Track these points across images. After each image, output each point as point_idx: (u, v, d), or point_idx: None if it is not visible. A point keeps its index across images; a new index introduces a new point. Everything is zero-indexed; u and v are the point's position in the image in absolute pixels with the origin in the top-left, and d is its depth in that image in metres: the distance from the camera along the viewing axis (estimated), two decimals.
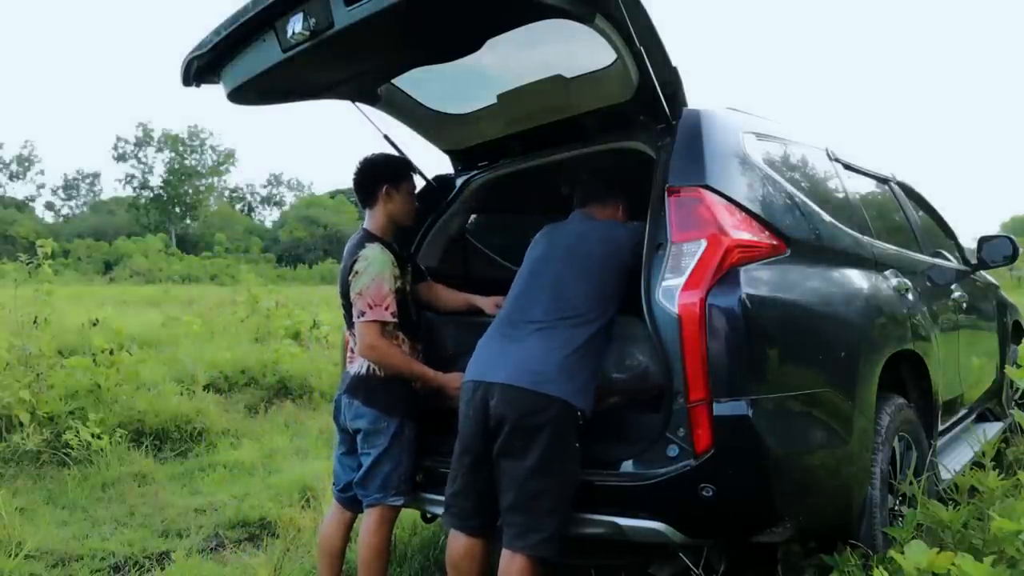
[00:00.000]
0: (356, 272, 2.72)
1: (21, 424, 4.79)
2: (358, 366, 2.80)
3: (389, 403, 2.71)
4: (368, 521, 2.73)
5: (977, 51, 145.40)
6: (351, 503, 2.87)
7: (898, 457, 2.73)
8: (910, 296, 2.98)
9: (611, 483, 2.26)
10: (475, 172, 3.28)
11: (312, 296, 17.05)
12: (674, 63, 2.36)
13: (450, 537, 2.49)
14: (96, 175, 78.69)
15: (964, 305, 3.79)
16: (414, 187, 2.97)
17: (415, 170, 3.03)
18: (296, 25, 2.22)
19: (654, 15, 2.19)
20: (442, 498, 2.53)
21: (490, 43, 2.46)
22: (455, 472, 2.47)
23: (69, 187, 76.05)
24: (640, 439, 2.29)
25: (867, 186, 3.51)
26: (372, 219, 2.90)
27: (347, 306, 2.82)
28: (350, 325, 2.84)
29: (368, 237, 2.84)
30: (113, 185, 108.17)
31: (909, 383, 2.99)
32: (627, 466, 2.26)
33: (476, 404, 2.37)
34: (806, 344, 2.35)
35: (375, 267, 2.70)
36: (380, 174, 2.88)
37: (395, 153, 3.06)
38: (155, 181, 65.46)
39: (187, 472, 4.96)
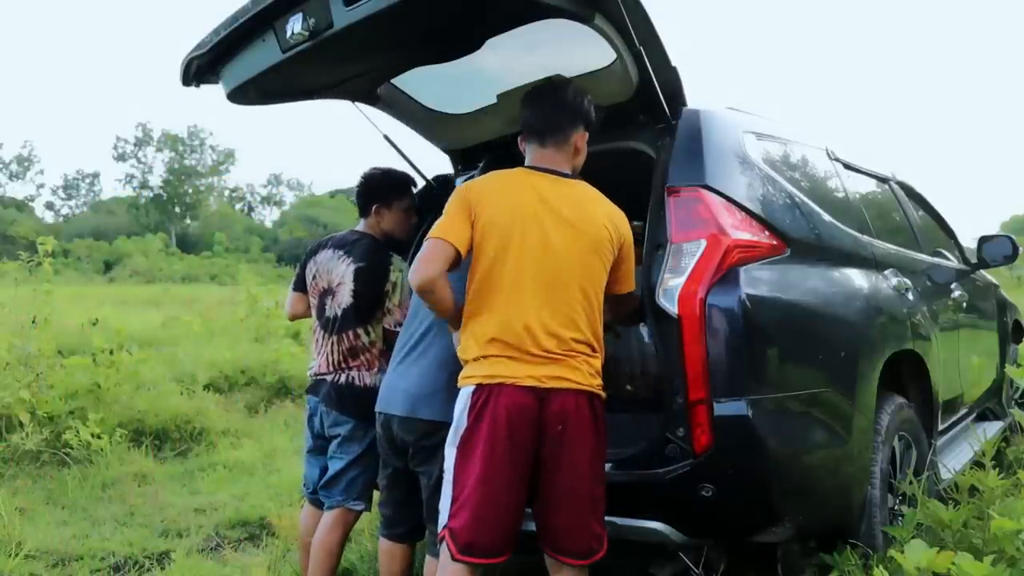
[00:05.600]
0: (394, 284, 2.84)
1: (21, 424, 4.79)
2: (335, 374, 2.83)
3: (368, 413, 2.72)
4: (327, 520, 2.80)
5: (977, 51, 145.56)
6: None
7: (898, 456, 2.73)
8: (910, 296, 2.98)
9: (610, 483, 2.26)
10: (475, 172, 3.28)
11: None
12: (674, 63, 2.36)
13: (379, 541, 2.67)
14: (96, 175, 78.88)
15: (964, 305, 3.79)
16: (409, 205, 3.00)
17: (413, 184, 3.04)
18: (295, 25, 2.22)
19: (654, 15, 2.19)
20: None
21: (490, 43, 2.46)
22: (380, 483, 2.66)
23: (69, 187, 76.05)
24: (639, 439, 2.29)
25: (867, 186, 3.50)
26: (367, 226, 2.98)
27: (362, 306, 2.82)
28: (340, 329, 2.83)
29: (379, 244, 2.91)
30: (113, 185, 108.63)
31: (909, 383, 2.99)
32: (626, 466, 2.26)
33: (384, 429, 2.51)
34: (806, 344, 2.35)
35: (404, 279, 2.82)
36: (372, 193, 2.96)
37: (395, 169, 3.05)
38: (155, 181, 65.62)
39: (187, 472, 4.96)
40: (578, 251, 2.11)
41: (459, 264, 2.14)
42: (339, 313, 2.85)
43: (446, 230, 2.12)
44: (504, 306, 2.09)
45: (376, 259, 2.85)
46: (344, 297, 2.84)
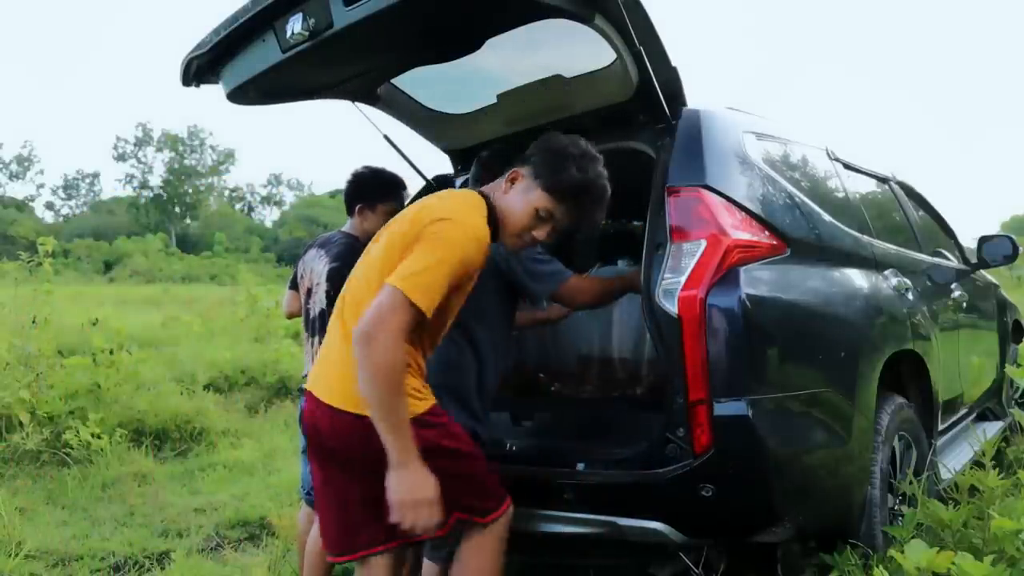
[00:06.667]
0: None
1: (21, 424, 4.79)
2: None
3: None
4: (317, 522, 2.75)
5: (977, 51, 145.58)
6: None
7: (898, 456, 2.73)
8: (910, 296, 2.98)
9: (610, 483, 2.26)
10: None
11: None
12: (674, 63, 2.36)
13: None
14: (96, 175, 78.80)
15: (964, 304, 3.79)
16: (394, 208, 2.89)
17: (403, 187, 2.99)
18: (295, 25, 2.22)
19: (654, 15, 2.19)
20: None
21: (490, 43, 2.46)
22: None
23: (69, 187, 76.02)
24: (639, 439, 2.29)
25: (867, 186, 3.50)
26: (353, 227, 2.95)
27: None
28: (319, 330, 2.80)
29: (359, 245, 2.84)
30: (113, 185, 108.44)
31: (909, 383, 2.99)
32: (626, 466, 2.26)
33: None
34: (806, 344, 2.35)
35: None
36: (358, 193, 2.92)
37: (386, 170, 3.00)
38: (155, 181, 65.65)
39: (187, 472, 4.96)
40: (376, 258, 2.04)
41: None
42: (317, 314, 2.83)
43: None
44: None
45: (350, 260, 2.77)
46: (320, 297, 2.82)
